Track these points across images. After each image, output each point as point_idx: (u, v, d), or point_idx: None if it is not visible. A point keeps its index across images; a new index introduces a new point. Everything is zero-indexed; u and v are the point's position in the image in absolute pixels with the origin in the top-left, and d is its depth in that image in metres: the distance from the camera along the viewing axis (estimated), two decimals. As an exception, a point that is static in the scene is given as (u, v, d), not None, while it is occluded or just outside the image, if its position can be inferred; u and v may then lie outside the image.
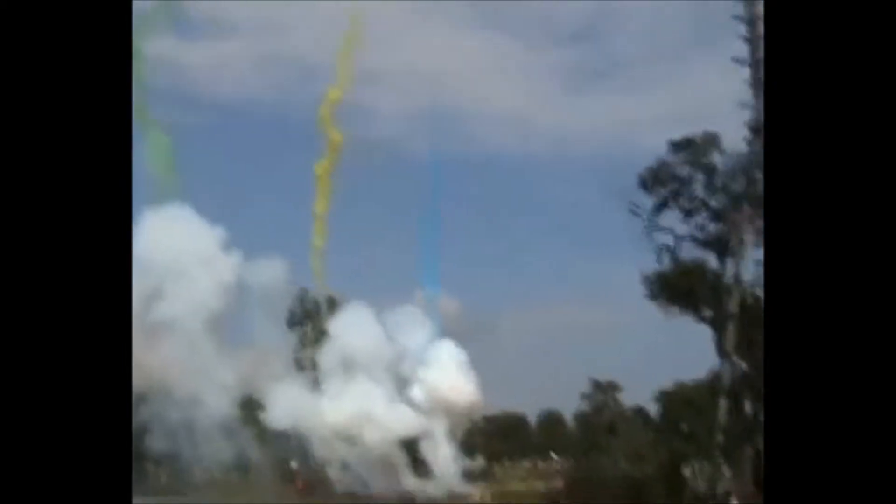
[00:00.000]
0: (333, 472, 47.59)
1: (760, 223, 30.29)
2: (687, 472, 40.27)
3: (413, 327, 49.76)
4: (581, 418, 64.28)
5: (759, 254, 29.61)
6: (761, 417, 35.80)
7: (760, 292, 31.65)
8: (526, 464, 57.61)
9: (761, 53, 28.02)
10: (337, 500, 35.49)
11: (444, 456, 47.97)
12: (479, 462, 51.56)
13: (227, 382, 43.63)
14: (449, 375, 49.24)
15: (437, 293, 51.21)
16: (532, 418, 67.47)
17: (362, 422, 47.11)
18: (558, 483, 39.27)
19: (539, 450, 61.16)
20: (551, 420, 66.37)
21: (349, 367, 47.65)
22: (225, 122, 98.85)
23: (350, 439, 47.28)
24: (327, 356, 47.99)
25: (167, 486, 42.64)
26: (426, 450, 48.08)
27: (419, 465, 47.64)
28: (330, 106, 47.33)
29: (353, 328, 47.99)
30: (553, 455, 58.38)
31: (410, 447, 48.23)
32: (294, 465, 49.54)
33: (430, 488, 40.88)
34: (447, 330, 51.99)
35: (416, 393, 49.24)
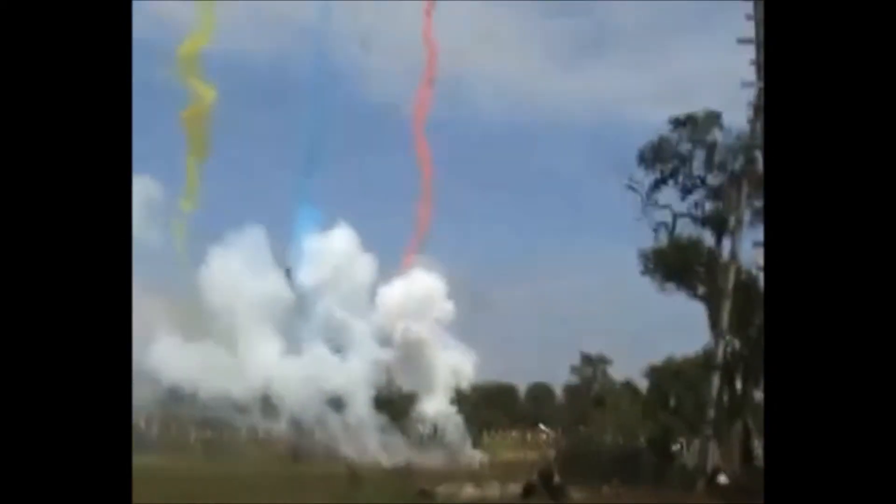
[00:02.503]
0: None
1: (758, 202, 30.48)
2: (675, 447, 40.78)
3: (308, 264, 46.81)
4: (570, 390, 64.91)
5: (756, 233, 29.85)
6: (752, 394, 36.33)
7: (755, 271, 31.96)
8: (514, 434, 58.04)
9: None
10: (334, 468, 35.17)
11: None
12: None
13: None
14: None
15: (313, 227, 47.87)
16: (522, 390, 68.05)
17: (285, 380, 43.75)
18: (550, 453, 39.71)
19: (527, 420, 61.63)
20: (541, 392, 66.95)
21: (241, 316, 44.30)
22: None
23: (273, 399, 43.91)
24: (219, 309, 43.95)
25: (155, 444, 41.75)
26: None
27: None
28: (188, 57, 43.98)
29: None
30: (541, 426, 58.89)
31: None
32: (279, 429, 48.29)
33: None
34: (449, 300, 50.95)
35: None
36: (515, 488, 23.75)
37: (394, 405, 47.76)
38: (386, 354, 47.51)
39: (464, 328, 50.82)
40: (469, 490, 24.25)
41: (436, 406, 47.83)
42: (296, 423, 46.09)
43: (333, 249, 47.77)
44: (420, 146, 49.93)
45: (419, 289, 48.00)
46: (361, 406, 45.38)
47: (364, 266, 48.36)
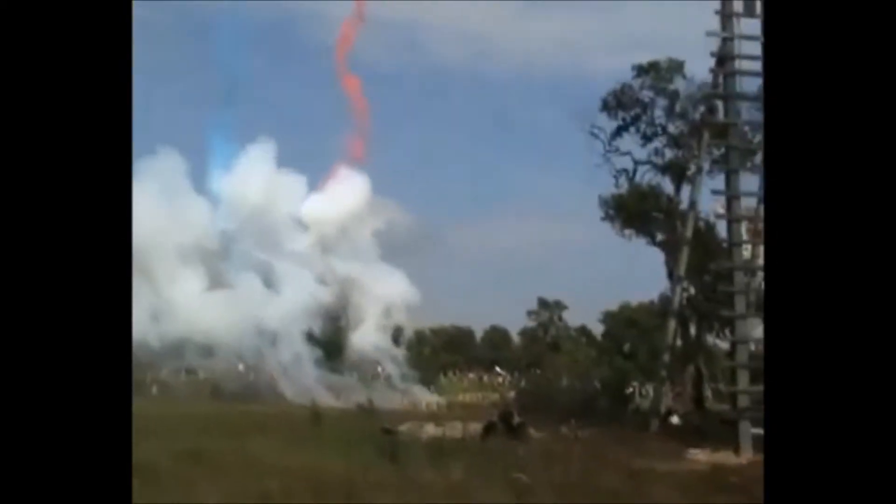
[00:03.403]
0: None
1: (717, 151, 30.77)
2: (629, 390, 41.79)
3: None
4: (526, 335, 65.82)
5: (714, 182, 30.18)
6: (704, 340, 37.22)
7: (713, 219, 32.49)
8: (471, 376, 58.86)
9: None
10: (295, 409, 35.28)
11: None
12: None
13: None
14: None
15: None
16: (479, 333, 68.80)
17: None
18: (508, 394, 40.47)
19: (484, 363, 62.42)
20: (497, 335, 67.74)
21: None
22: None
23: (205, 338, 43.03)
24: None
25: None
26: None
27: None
28: None
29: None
30: (497, 369, 59.71)
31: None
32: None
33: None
34: (398, 242, 51.16)
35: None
36: (476, 428, 24.15)
37: (330, 343, 47.53)
38: (321, 289, 47.08)
39: (419, 272, 50.94)
40: (430, 429, 24.59)
41: (373, 341, 47.76)
42: (235, 363, 45.48)
43: (263, 180, 47.25)
44: (347, 80, 50.09)
45: (345, 208, 47.83)
46: (299, 344, 44.81)
47: (292, 195, 47.96)
